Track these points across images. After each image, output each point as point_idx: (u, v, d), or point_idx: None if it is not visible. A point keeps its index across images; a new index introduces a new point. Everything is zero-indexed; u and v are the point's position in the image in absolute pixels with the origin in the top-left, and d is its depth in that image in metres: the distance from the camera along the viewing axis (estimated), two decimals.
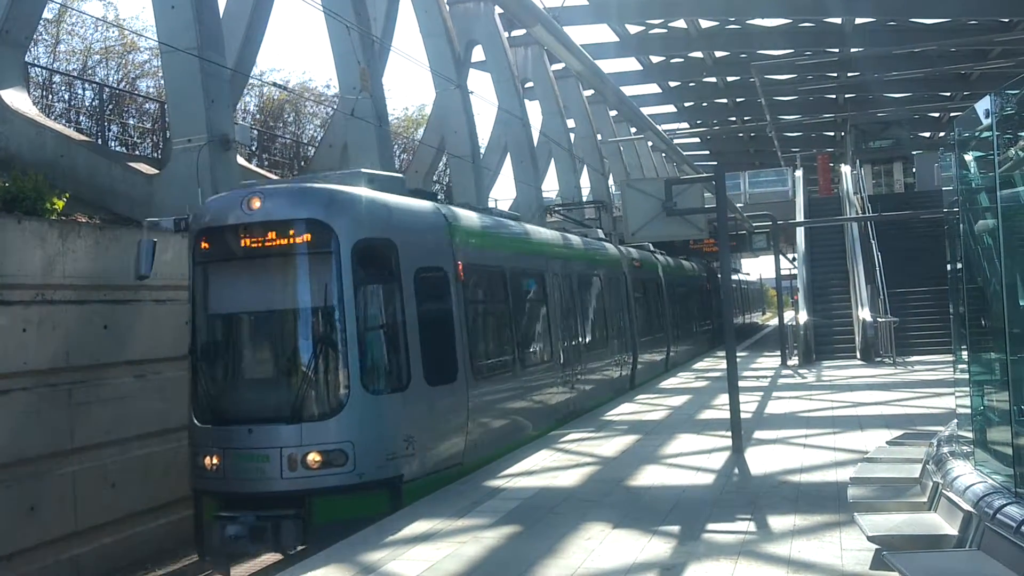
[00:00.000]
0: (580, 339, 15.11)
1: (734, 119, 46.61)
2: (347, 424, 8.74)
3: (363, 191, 9.72)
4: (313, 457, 8.55)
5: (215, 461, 8.80)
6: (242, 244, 9.16)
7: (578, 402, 14.53)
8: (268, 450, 8.61)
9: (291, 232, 9.06)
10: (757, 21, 32.03)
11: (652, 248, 23.42)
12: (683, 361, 23.98)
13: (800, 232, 27.73)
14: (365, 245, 9.16)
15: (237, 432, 8.80)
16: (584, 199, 27.85)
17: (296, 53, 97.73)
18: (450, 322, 10.18)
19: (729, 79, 39.25)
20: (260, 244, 9.09)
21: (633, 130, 34.27)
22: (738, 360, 11.93)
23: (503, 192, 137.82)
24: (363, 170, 11.08)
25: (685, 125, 49.49)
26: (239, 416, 9.01)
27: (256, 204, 9.09)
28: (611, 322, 17.49)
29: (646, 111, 37.30)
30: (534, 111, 26.30)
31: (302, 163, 23.30)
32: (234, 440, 8.78)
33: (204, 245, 9.40)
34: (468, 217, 11.72)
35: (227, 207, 9.41)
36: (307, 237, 9.04)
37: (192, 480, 9.16)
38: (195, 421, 9.20)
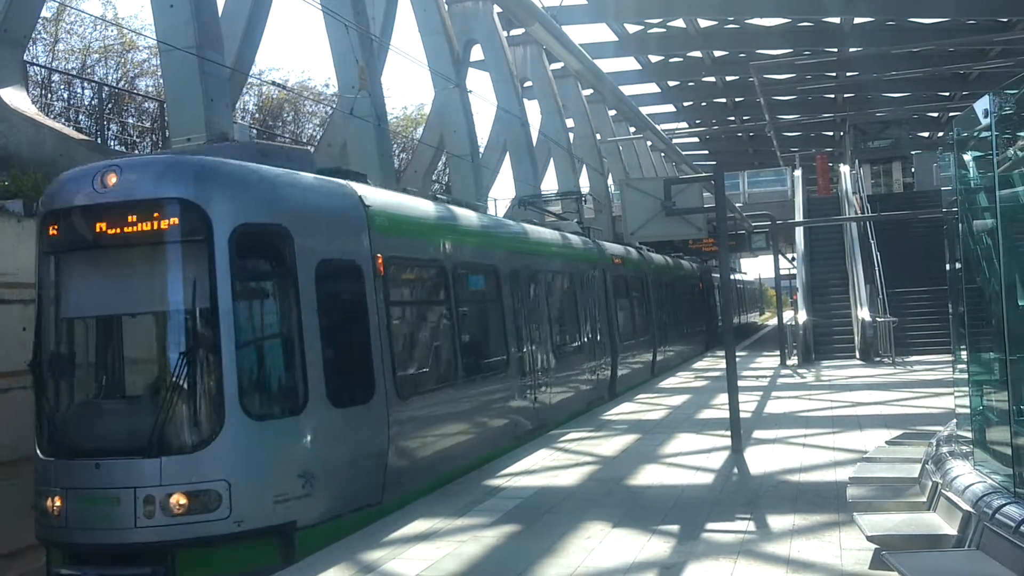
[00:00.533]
0: (545, 344, 13.38)
1: (733, 119, 46.68)
2: (221, 457, 7.09)
3: (250, 165, 8.02)
4: (177, 499, 6.90)
5: (58, 504, 7.12)
6: (94, 230, 7.45)
7: (543, 416, 12.84)
8: (120, 491, 6.93)
9: (153, 215, 7.32)
10: (756, 21, 32.11)
11: (638, 244, 22.03)
12: (672, 366, 22.78)
13: (799, 232, 27.75)
14: (248, 231, 7.50)
15: (82, 468, 7.11)
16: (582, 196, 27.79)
17: (295, 52, 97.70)
18: (364, 327, 8.42)
19: (728, 79, 39.31)
20: (117, 231, 7.38)
21: (632, 130, 34.30)
22: (737, 360, 11.93)
23: (503, 191, 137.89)
24: (256, 140, 9.69)
25: (684, 125, 49.56)
26: (84, 447, 7.30)
27: (112, 180, 7.43)
28: (585, 324, 15.86)
29: (645, 111, 37.36)
30: (533, 110, 26.33)
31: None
32: (78, 478, 7.10)
33: (52, 231, 7.74)
34: (394, 201, 9.99)
35: (79, 184, 7.66)
36: (173, 221, 7.33)
37: (36, 528, 7.54)
38: (38, 453, 7.57)
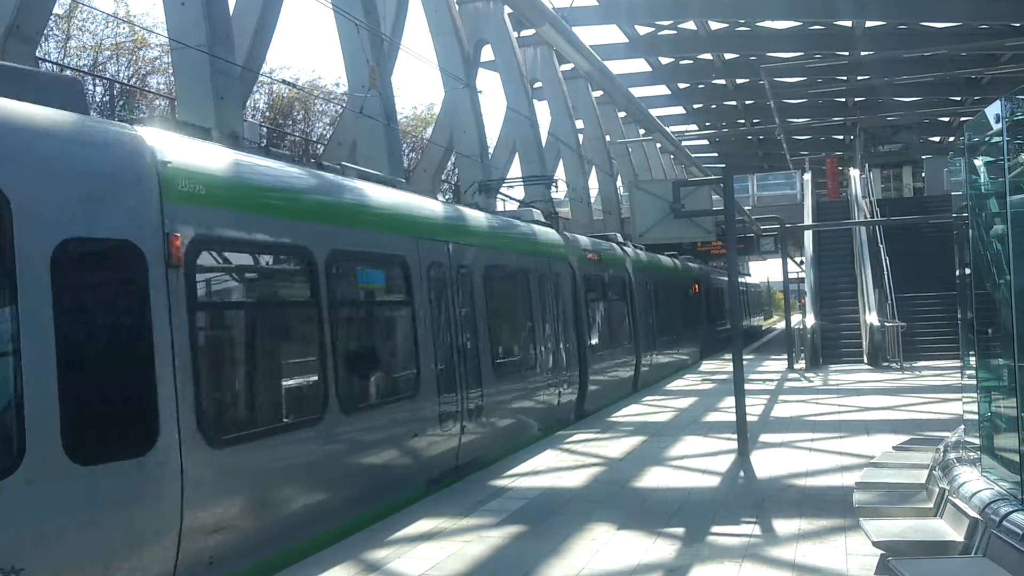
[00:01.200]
0: (479, 358, 10.77)
1: (743, 121, 46.64)
2: None
3: None
4: None
5: None
6: None
7: (472, 450, 10.28)
8: None
9: None
10: (767, 24, 32.04)
11: (621, 240, 20.12)
12: (659, 377, 20.41)
13: (808, 235, 27.72)
14: None
15: None
16: (592, 200, 27.75)
17: (306, 51, 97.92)
18: (142, 340, 5.84)
19: (738, 81, 39.26)
20: None
21: (642, 131, 34.27)
22: (744, 363, 11.90)
23: (511, 193, 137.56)
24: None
25: (694, 127, 49.49)
26: None
27: None
28: (543, 331, 13.24)
29: (655, 112, 37.30)
30: (543, 111, 26.34)
31: (311, 160, 23.40)
32: None
33: None
34: (220, 162, 7.07)
35: None
36: None
37: None
38: None
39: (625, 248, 19.84)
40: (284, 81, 22.05)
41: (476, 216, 12.28)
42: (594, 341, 15.83)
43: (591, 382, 15.12)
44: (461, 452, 10.06)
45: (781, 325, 47.47)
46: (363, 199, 9.16)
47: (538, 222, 14.93)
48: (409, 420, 9.02)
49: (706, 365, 24.08)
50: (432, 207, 11.12)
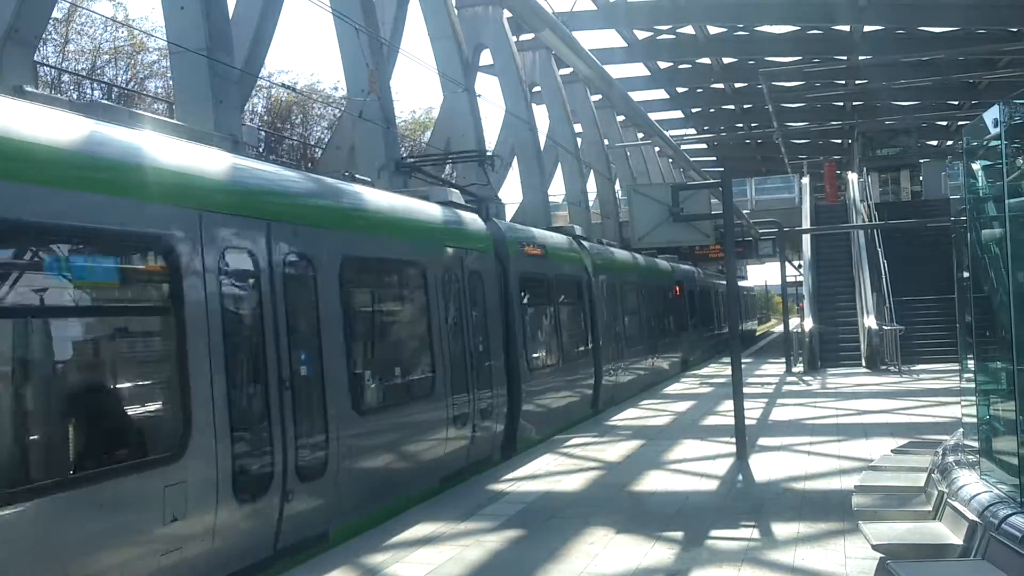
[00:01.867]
0: (330, 385, 7.72)
1: (741, 125, 46.69)
2: None
3: None
4: None
5: None
6: None
7: (313, 523, 7.36)
8: None
9: None
10: (765, 28, 32.10)
11: (578, 232, 17.60)
12: (630, 393, 17.84)
13: (806, 239, 27.76)
14: None
15: None
16: (590, 204, 27.75)
17: (305, 55, 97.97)
18: None
19: (737, 85, 39.31)
20: None
21: (640, 135, 34.32)
22: (743, 367, 11.90)
23: (510, 196, 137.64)
24: None
25: (692, 131, 49.53)
26: None
27: None
28: (446, 346, 10.12)
29: (653, 116, 37.35)
30: (541, 115, 26.35)
31: (309, 164, 23.39)
32: None
33: None
34: None
35: None
36: None
37: None
38: None
39: (583, 243, 17.13)
40: (283, 85, 22.07)
41: (329, 187, 9.03)
42: (533, 355, 13.17)
43: (526, 406, 12.23)
44: (284, 532, 7.01)
45: (777, 330, 47.50)
46: (80, 147, 5.77)
47: (456, 205, 11.84)
48: (164, 498, 5.77)
49: (704, 369, 24.04)
50: (245, 171, 7.64)
